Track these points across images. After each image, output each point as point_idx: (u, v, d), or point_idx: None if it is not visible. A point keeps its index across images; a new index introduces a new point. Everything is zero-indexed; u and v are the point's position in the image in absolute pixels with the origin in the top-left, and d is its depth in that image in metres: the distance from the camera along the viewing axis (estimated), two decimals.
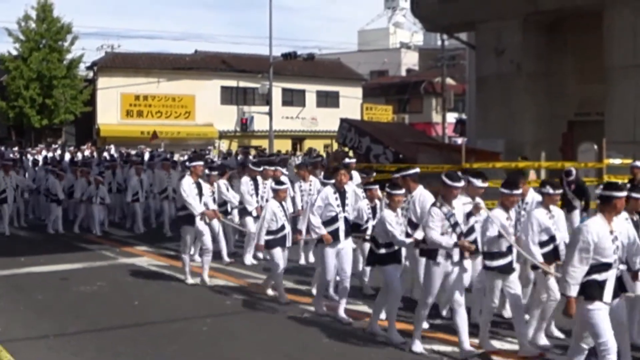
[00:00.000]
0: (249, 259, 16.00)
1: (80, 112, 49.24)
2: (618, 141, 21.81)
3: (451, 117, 54.04)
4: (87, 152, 39.12)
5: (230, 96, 54.11)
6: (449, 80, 55.71)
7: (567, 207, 15.45)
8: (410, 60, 72.64)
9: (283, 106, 54.60)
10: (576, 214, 16.09)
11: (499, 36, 26.74)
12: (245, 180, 16.04)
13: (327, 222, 11.23)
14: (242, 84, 53.82)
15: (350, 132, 28.28)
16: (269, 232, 12.20)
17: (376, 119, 51.93)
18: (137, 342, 10.10)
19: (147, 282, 14.41)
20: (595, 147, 21.90)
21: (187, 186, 13.59)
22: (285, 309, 11.90)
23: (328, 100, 57.73)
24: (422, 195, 11.36)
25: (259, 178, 16.08)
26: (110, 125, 49.35)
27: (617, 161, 20.48)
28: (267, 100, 48.43)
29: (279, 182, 12.98)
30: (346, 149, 31.43)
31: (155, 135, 41.59)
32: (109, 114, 49.75)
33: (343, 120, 29.95)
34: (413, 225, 10.99)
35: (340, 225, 11.29)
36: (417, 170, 11.97)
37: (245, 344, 10.04)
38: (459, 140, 39.68)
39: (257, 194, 15.85)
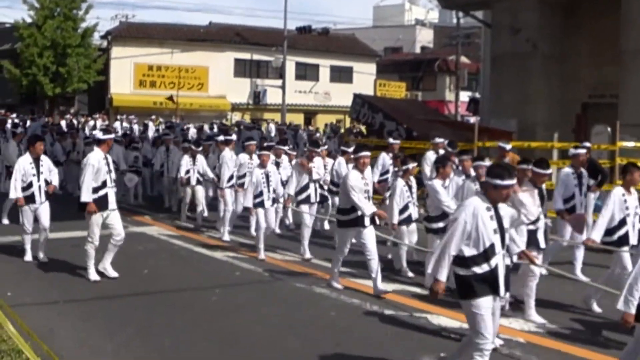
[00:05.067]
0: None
1: (93, 81, 49.20)
2: (631, 124, 21.66)
3: (464, 95, 53.85)
4: (99, 122, 39.20)
5: (243, 69, 54.07)
6: (463, 59, 55.46)
7: None
8: (425, 38, 72.35)
9: (296, 80, 54.56)
10: (591, 194, 15.81)
11: (515, 15, 26.51)
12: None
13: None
14: (256, 56, 53.75)
15: (364, 108, 28.18)
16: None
17: (389, 95, 51.78)
18: (146, 310, 10.16)
19: (156, 251, 14.48)
20: (609, 129, 21.80)
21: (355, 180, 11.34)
22: (295, 282, 11.96)
23: (341, 75, 57.62)
24: None
25: None
26: (123, 95, 49.42)
27: (630, 144, 20.40)
28: (280, 73, 48.38)
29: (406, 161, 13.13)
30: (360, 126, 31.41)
31: (172, 98, 41.39)
32: (122, 84, 49.81)
33: (356, 96, 29.86)
34: None
35: None
36: None
37: (253, 316, 10.07)
38: (472, 119, 39.57)
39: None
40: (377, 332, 9.44)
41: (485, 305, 7.03)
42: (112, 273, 11.81)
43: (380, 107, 27.90)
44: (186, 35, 52.55)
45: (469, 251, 7.04)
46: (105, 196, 11.72)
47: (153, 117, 41.06)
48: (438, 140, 18.60)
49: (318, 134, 36.59)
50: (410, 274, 12.59)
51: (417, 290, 11.51)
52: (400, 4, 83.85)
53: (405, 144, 22.89)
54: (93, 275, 11.70)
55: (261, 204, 13.86)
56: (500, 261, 7.08)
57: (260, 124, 41.08)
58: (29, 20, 48.22)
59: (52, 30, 46.86)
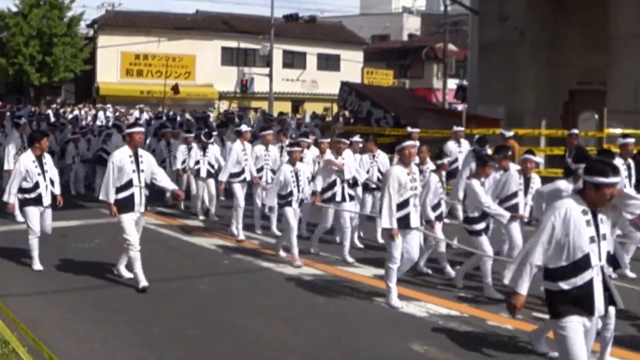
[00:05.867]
0: None
1: (80, 71, 49.06)
2: (619, 110, 21.73)
3: (452, 83, 53.80)
4: (85, 111, 39.00)
5: (230, 57, 53.95)
6: (451, 46, 55.39)
7: (568, 174, 15.29)
8: (412, 25, 72.20)
9: (284, 68, 54.42)
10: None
11: (502, 2, 26.56)
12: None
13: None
14: (243, 45, 53.63)
15: (351, 96, 28.19)
16: None
17: (377, 83, 51.68)
18: (135, 300, 10.15)
19: (144, 240, 14.36)
20: (596, 116, 21.85)
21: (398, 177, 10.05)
22: (283, 271, 11.97)
23: (329, 63, 57.53)
24: None
25: None
26: (110, 84, 49.22)
27: (618, 131, 20.42)
28: (267, 62, 48.25)
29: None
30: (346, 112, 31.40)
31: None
32: (109, 73, 49.60)
33: (344, 84, 29.85)
34: None
35: None
36: None
37: (241, 304, 10.08)
38: (460, 107, 39.60)
39: None
40: (368, 320, 9.47)
41: (575, 327, 6.04)
42: (127, 274, 11.11)
43: (368, 95, 27.92)
44: (173, 23, 52.36)
45: (556, 262, 6.08)
46: (131, 197, 10.63)
47: (141, 106, 40.86)
48: (457, 128, 18.05)
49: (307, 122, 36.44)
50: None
51: (407, 278, 11.53)
52: None
53: (392, 132, 22.90)
54: (124, 272, 11.19)
55: (289, 204, 12.56)
56: (596, 275, 6.04)
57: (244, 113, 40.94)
58: (14, 9, 47.98)
59: (38, 19, 46.65)
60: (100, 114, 38.34)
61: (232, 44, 53.54)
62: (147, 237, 14.61)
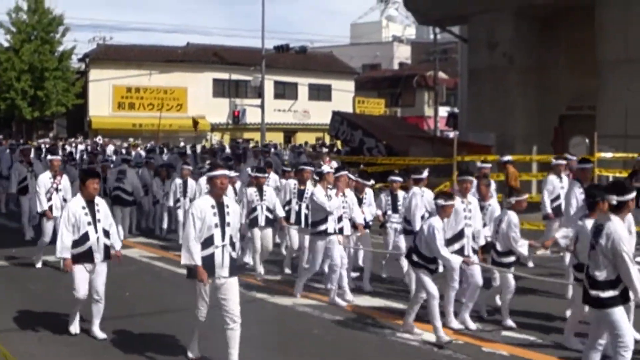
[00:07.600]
0: None
1: (71, 104, 49.19)
2: (609, 135, 21.81)
3: (443, 110, 54.05)
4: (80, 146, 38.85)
5: (222, 89, 54.13)
6: (441, 74, 55.70)
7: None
8: (402, 54, 72.62)
9: (275, 99, 54.61)
10: None
11: (491, 29, 26.72)
12: None
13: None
14: (235, 76, 53.80)
15: (343, 125, 28.30)
16: None
17: (368, 112, 51.93)
18: (129, 333, 10.11)
19: (138, 273, 14.42)
20: (587, 140, 21.94)
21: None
22: (276, 301, 11.95)
23: (320, 93, 57.74)
24: None
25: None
26: (101, 117, 49.29)
27: (609, 155, 20.51)
28: (259, 93, 48.35)
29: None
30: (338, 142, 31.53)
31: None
32: (101, 106, 49.68)
33: (335, 113, 29.96)
34: None
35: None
36: None
37: None
38: (451, 134, 39.75)
39: None
40: (361, 348, 9.47)
41: None
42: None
43: (360, 124, 28.04)
44: (164, 56, 52.56)
45: None
46: (211, 257, 8.48)
47: (130, 139, 40.93)
48: (558, 161, 15.20)
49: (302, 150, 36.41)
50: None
51: (401, 306, 11.51)
52: (377, 21, 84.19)
53: (384, 161, 22.98)
54: (192, 354, 9.13)
55: (431, 270, 10.05)
56: None
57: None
58: (5, 44, 48.27)
59: (30, 54, 46.84)
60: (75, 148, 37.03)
61: (224, 75, 53.72)
62: (140, 270, 14.69)
